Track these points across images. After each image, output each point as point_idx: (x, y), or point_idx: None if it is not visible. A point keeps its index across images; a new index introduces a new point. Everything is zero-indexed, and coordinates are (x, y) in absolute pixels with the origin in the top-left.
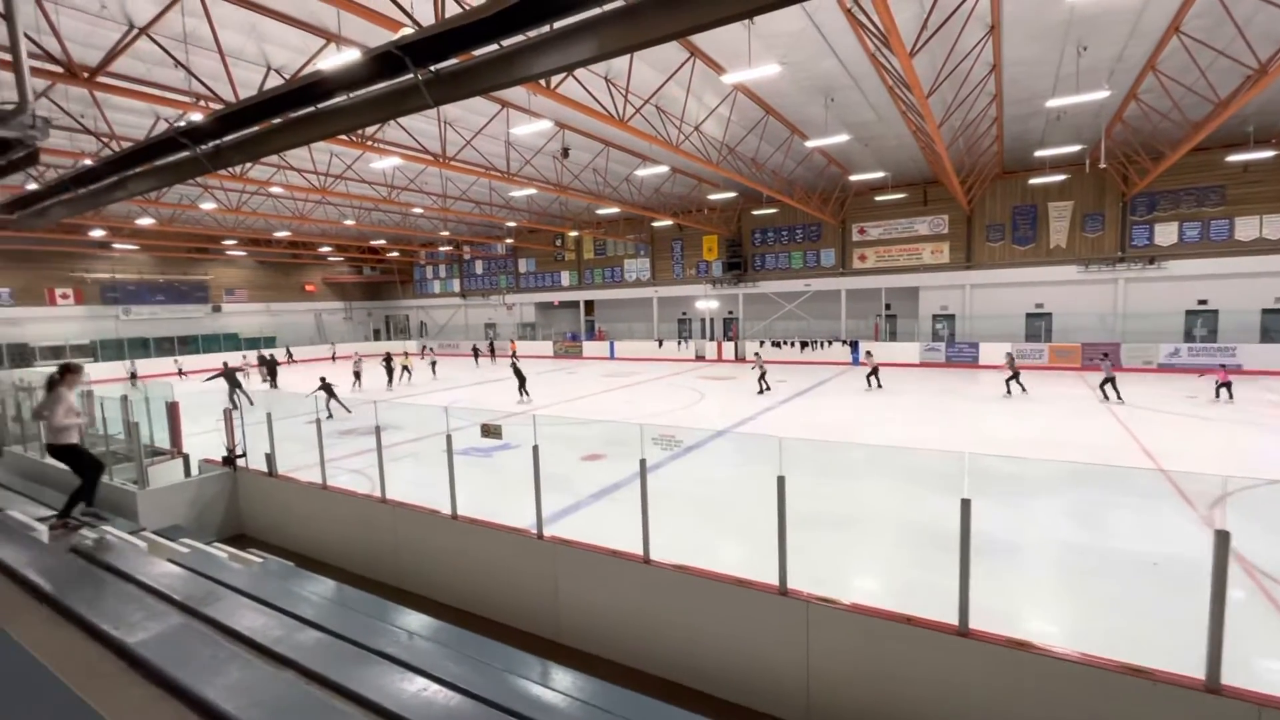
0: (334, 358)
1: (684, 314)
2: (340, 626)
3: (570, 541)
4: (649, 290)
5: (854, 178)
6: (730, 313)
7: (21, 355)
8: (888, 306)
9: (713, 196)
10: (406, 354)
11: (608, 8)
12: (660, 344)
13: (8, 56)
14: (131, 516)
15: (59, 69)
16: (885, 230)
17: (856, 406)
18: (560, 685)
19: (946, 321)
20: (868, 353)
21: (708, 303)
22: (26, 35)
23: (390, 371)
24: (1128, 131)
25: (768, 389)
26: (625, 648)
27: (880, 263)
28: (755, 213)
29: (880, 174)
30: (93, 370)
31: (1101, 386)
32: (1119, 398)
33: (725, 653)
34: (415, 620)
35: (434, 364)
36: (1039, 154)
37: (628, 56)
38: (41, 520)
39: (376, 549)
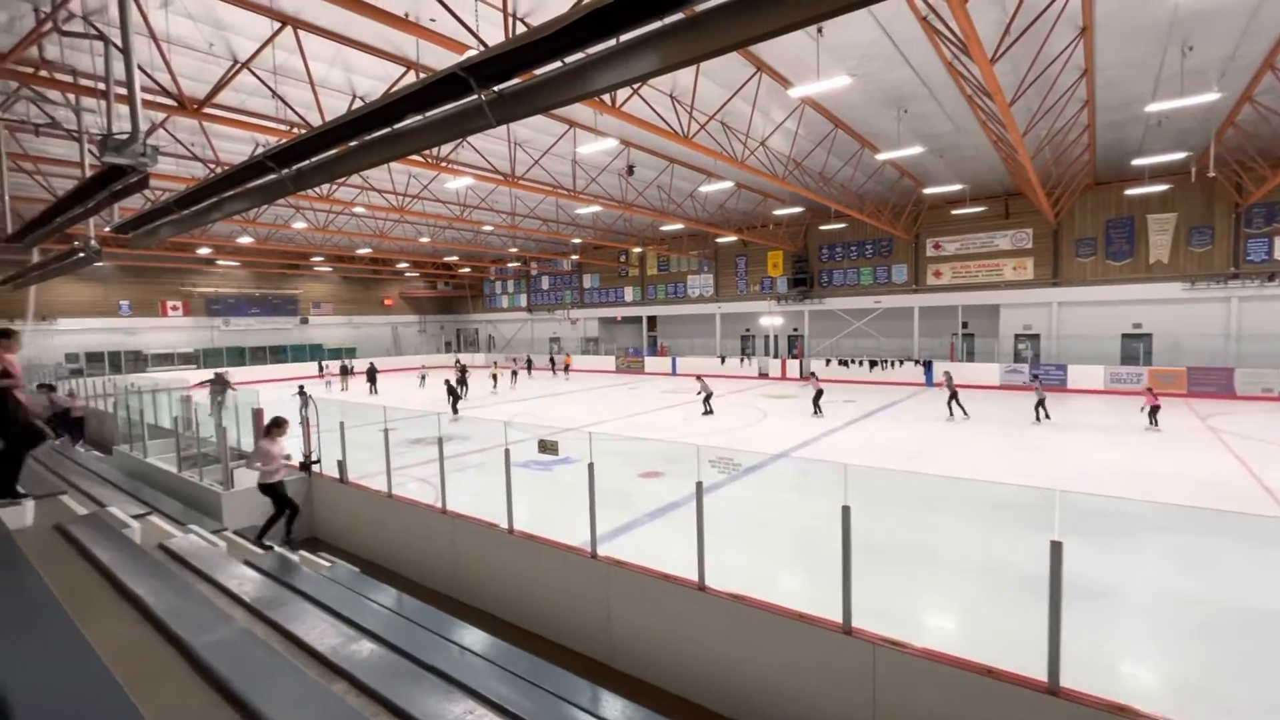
0: (423, 381)
1: (747, 330)
2: (397, 638)
3: (624, 563)
4: (712, 306)
5: (928, 191)
6: (795, 330)
7: (136, 361)
8: (965, 325)
9: (778, 212)
10: (496, 364)
11: (670, 20)
12: (723, 360)
13: (123, 91)
14: (216, 516)
15: (173, 102)
16: (962, 245)
17: (929, 431)
18: (610, 714)
19: (1030, 341)
20: (945, 374)
21: (772, 319)
22: (143, 70)
23: (495, 379)
24: (1241, 136)
25: (819, 413)
26: (677, 676)
27: (957, 279)
28: (823, 228)
29: (957, 187)
30: (194, 377)
31: (1146, 414)
32: (1155, 424)
33: (783, 691)
34: (469, 635)
35: (514, 375)
36: (1137, 162)
37: (692, 74)
38: (136, 517)
39: (436, 559)
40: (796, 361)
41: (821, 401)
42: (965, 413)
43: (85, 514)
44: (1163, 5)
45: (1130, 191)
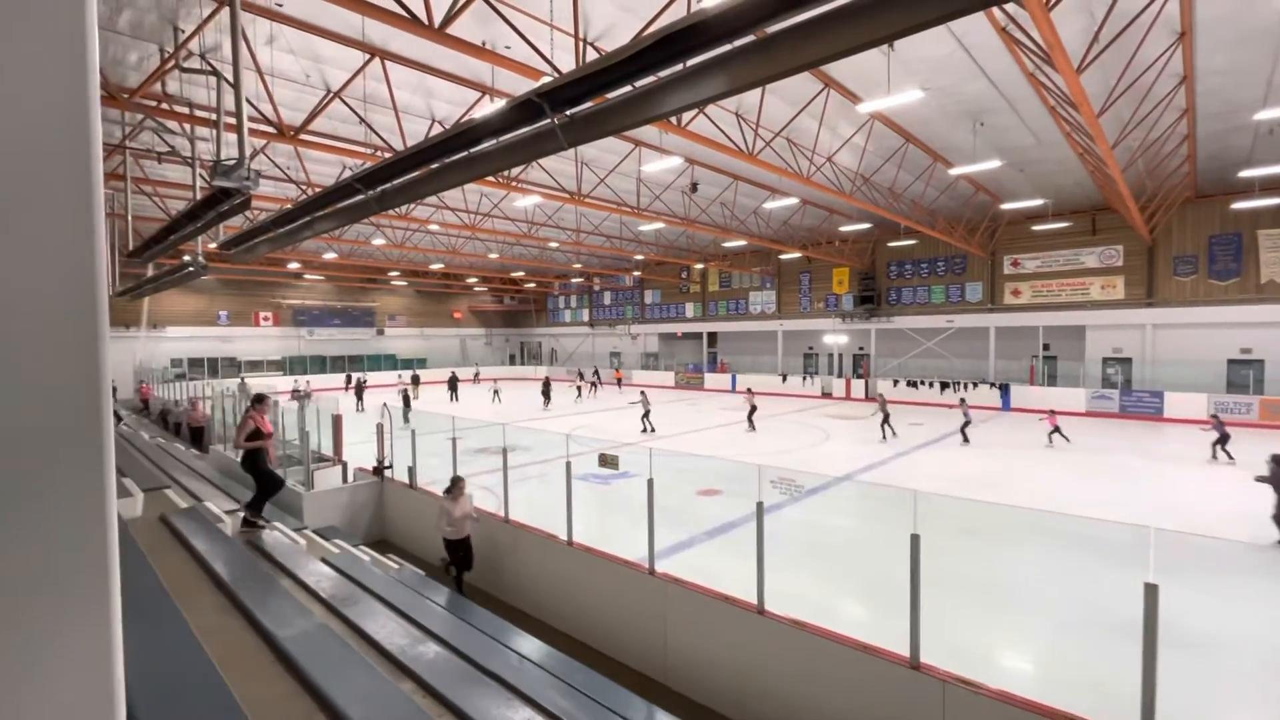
0: (476, 378)
1: (810, 348)
2: (459, 642)
3: (682, 581)
4: (774, 323)
5: (1006, 206)
6: (861, 348)
7: (231, 366)
8: (1046, 347)
9: (845, 228)
10: (581, 377)
11: (739, 43)
12: (784, 379)
13: (231, 121)
14: (298, 515)
15: (273, 129)
16: (1044, 262)
17: (1006, 457)
18: None
19: (1120, 366)
20: (1050, 411)
21: (836, 337)
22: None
23: (579, 390)
24: None
25: (893, 434)
26: (734, 700)
27: (1037, 298)
28: (891, 244)
29: (1039, 201)
30: (280, 383)
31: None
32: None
33: None
34: (527, 644)
35: (594, 386)
36: (1245, 174)
37: (759, 91)
38: (229, 513)
39: (497, 566)
40: (862, 381)
41: (889, 424)
42: (895, 433)
43: (185, 507)
44: (1271, 6)
45: (1237, 205)
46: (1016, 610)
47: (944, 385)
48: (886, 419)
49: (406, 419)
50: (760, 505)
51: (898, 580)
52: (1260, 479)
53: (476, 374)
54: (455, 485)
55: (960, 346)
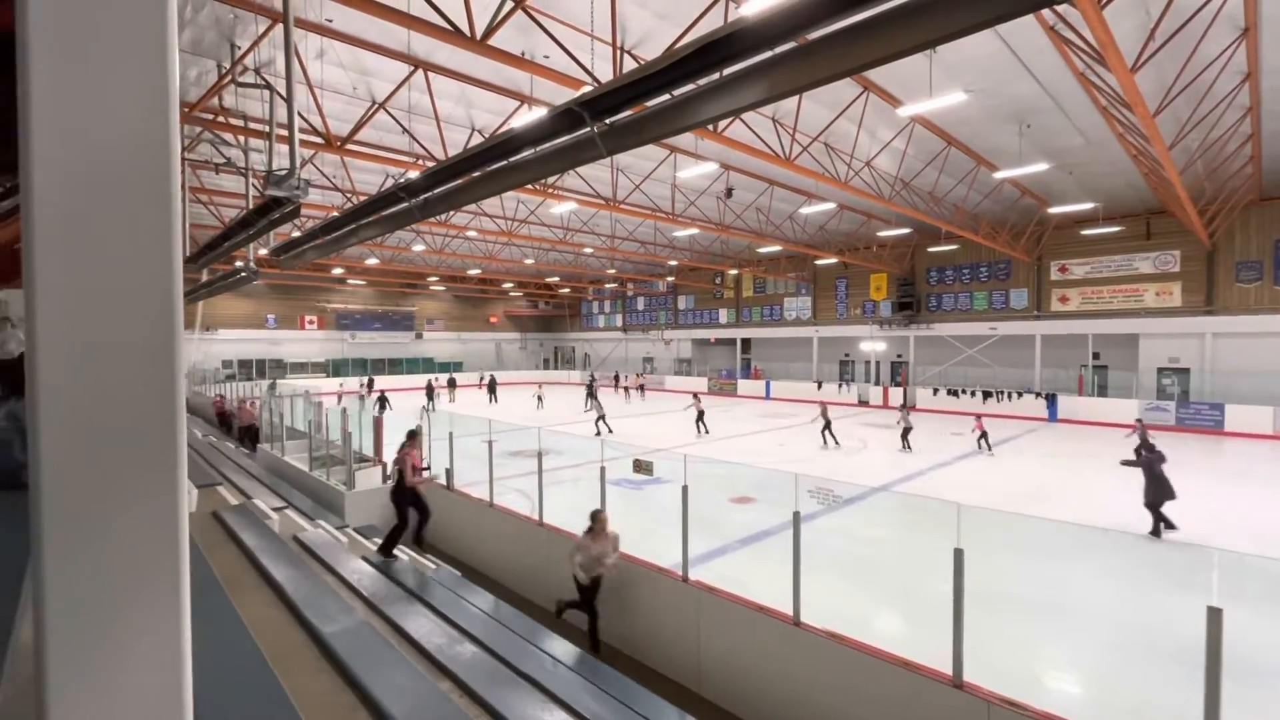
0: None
1: (846, 355)
2: (495, 643)
3: (716, 589)
4: (809, 330)
5: (1054, 210)
6: (899, 356)
7: (277, 368)
8: (1096, 356)
9: (883, 233)
10: (628, 378)
11: (780, 50)
12: (819, 386)
13: (283, 132)
14: (340, 513)
15: (321, 140)
16: (1094, 268)
17: (1051, 470)
18: None
19: (1177, 377)
20: (1138, 420)
21: (874, 344)
22: (300, 115)
23: (626, 391)
24: None
25: (907, 449)
26: (768, 712)
27: (1086, 305)
28: (931, 249)
29: (1088, 205)
30: (325, 384)
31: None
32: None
33: None
34: (560, 646)
35: (641, 389)
36: None
37: (796, 96)
38: (276, 510)
39: (531, 569)
40: (900, 389)
41: (911, 437)
42: (837, 442)
43: (236, 504)
44: None
45: None
46: (1064, 630)
47: (986, 395)
48: (907, 432)
49: (431, 410)
50: (797, 515)
51: (937, 594)
52: (1126, 463)
53: (539, 397)
54: (596, 520)
55: (1004, 354)
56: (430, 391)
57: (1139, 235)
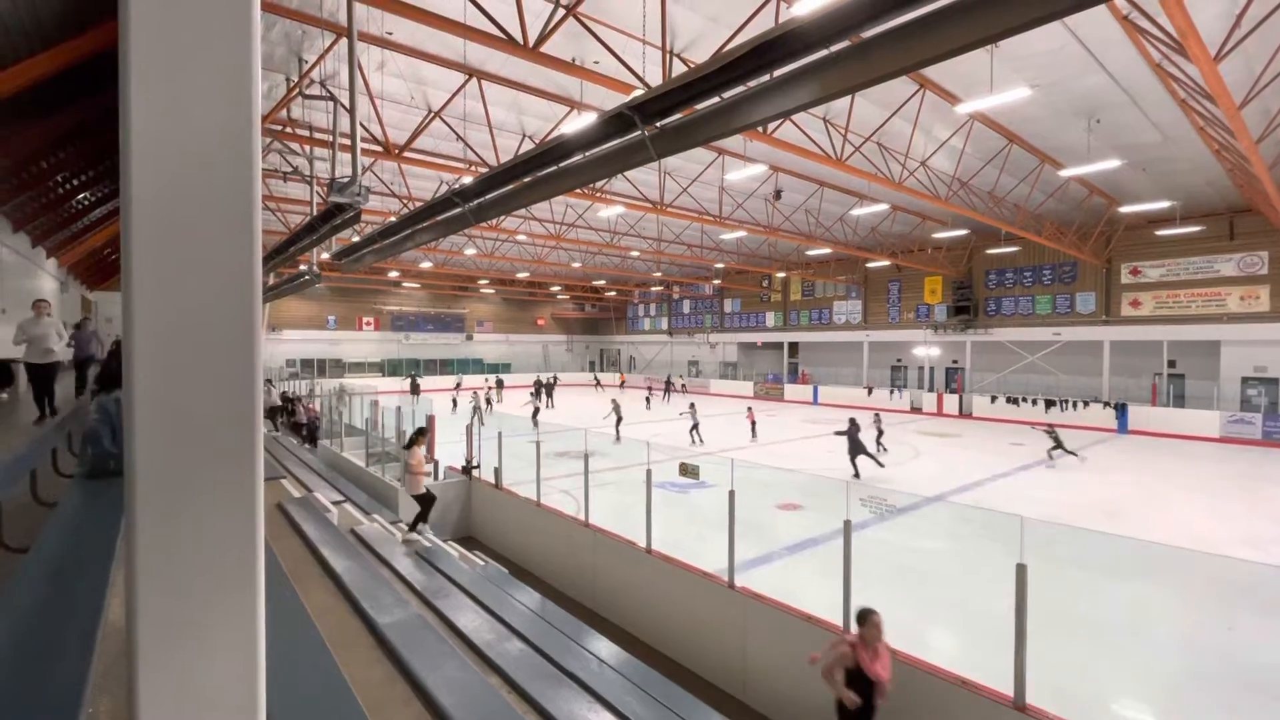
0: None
1: (899, 361)
2: (541, 641)
3: (763, 597)
4: (859, 334)
5: (1125, 209)
6: (955, 362)
7: (336, 368)
8: (1172, 364)
9: (938, 235)
10: (678, 379)
11: (834, 49)
12: (870, 392)
13: (346, 141)
14: (393, 508)
15: (380, 148)
16: (1170, 270)
17: (1121, 484)
18: None
19: (1264, 387)
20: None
21: (928, 350)
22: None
23: (671, 388)
24: None
25: (882, 453)
26: None
27: (1161, 309)
28: (990, 251)
29: (1164, 204)
30: (380, 384)
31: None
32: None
33: None
34: (605, 647)
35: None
36: None
37: (848, 95)
38: (335, 503)
39: (576, 568)
40: (955, 396)
41: (961, 446)
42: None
43: (298, 497)
44: None
45: None
46: (1134, 654)
47: (1049, 403)
48: (880, 435)
49: (482, 420)
50: (848, 523)
51: (996, 612)
52: (839, 433)
53: (618, 415)
54: (866, 621)
55: (1068, 362)
56: (539, 390)
57: (1221, 235)
